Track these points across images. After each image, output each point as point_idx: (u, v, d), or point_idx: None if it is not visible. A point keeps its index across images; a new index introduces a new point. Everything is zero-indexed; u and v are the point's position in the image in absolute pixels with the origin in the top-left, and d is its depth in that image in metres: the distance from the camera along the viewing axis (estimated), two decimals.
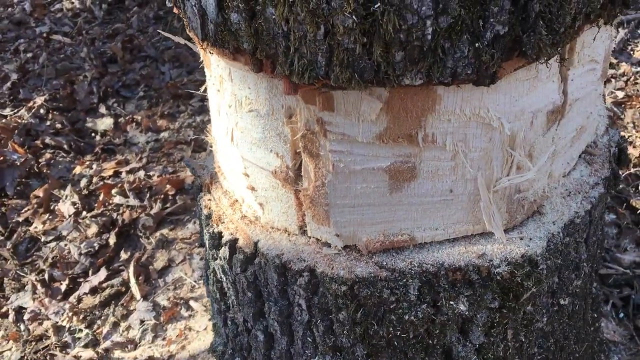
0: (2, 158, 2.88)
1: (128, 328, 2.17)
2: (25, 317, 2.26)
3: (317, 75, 0.79)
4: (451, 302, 0.99)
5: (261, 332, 1.16)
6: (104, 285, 2.33)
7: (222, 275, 1.14)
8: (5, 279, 2.44)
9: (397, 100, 0.85)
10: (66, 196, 2.74)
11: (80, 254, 2.48)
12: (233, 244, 1.08)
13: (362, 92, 0.84)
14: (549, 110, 0.93)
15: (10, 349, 2.19)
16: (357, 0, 0.72)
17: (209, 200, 1.17)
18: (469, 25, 0.75)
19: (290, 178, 0.97)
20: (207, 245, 1.14)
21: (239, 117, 0.97)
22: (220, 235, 1.10)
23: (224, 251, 1.10)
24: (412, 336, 1.06)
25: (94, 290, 2.33)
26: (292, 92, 0.82)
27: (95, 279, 2.35)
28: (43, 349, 2.15)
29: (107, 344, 2.13)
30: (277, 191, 1.01)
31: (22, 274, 2.43)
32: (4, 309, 2.31)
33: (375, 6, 0.73)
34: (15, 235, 2.60)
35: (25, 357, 2.13)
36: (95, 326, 2.20)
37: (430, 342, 1.07)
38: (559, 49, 0.79)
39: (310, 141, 0.92)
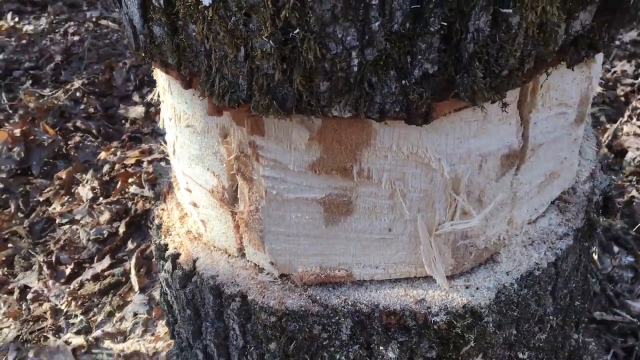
0: (32, 137, 2.93)
1: (121, 319, 2.17)
2: (28, 296, 2.29)
3: (238, 99, 0.75)
4: (381, 347, 0.93)
5: (200, 351, 1.12)
6: (106, 273, 2.34)
7: (167, 288, 1.11)
8: (16, 257, 2.48)
9: (330, 131, 0.80)
10: (87, 180, 2.76)
11: (88, 240, 2.50)
12: (175, 258, 1.04)
13: (291, 119, 0.79)
14: (503, 154, 0.86)
15: (9, 327, 2.22)
16: (275, 24, 0.67)
17: (162, 210, 1.13)
18: (396, 60, 0.69)
19: (227, 199, 0.93)
20: (154, 256, 1.10)
21: (179, 132, 0.94)
22: (165, 247, 1.07)
23: (168, 265, 1.07)
24: None
25: (95, 278, 2.35)
26: (215, 113, 0.78)
27: (98, 266, 2.37)
28: (38, 330, 2.17)
29: (98, 332, 2.14)
30: (217, 210, 0.97)
31: (33, 253, 2.46)
32: (10, 286, 2.34)
33: (295, 32, 0.68)
34: (33, 214, 2.65)
35: (22, 337, 2.16)
36: (91, 313, 2.21)
37: None
38: (500, 93, 0.72)
39: (244, 164, 0.87)
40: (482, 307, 0.92)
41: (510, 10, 0.66)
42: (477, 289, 0.94)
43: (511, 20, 0.67)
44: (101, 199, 2.68)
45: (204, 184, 0.95)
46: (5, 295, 2.31)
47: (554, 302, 1.09)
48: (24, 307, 2.25)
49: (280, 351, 0.99)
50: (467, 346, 0.94)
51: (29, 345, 2.11)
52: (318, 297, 0.95)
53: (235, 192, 0.92)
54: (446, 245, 0.91)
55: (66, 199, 2.66)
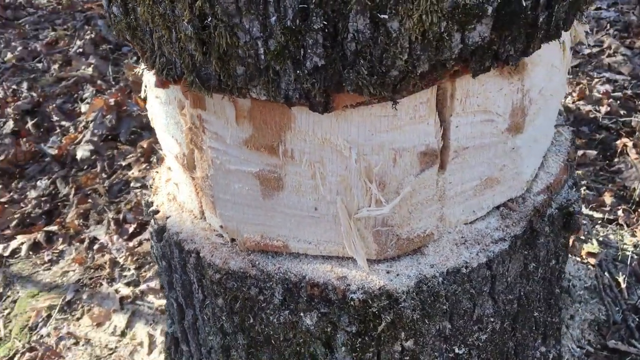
0: (124, 108, 3.24)
1: None
2: (95, 247, 2.58)
3: (174, 74, 0.88)
4: (301, 314, 1.03)
5: (174, 300, 1.27)
6: None
7: (152, 241, 1.27)
8: (92, 211, 2.78)
9: (257, 112, 0.91)
10: None
11: None
12: (154, 214, 1.20)
13: (223, 97, 0.91)
14: (420, 152, 0.93)
15: (74, 271, 2.51)
16: (193, 11, 0.80)
17: (156, 172, 1.30)
18: (292, 52, 0.79)
19: (187, 165, 1.07)
20: (144, 212, 1.27)
21: (151, 101, 1.09)
22: (151, 204, 1.23)
23: (151, 220, 1.23)
24: (282, 338, 1.11)
25: None
26: (160, 86, 0.92)
27: None
28: (96, 277, 2.44)
29: (144, 286, 2.38)
30: (182, 175, 1.11)
31: (106, 210, 2.76)
32: (82, 236, 2.65)
33: (208, 20, 0.80)
34: (114, 176, 2.95)
35: (82, 280, 2.44)
36: (143, 270, 2.45)
37: (298, 349, 1.11)
38: (391, 91, 0.81)
39: (195, 134, 1.01)
40: (399, 291, 1.00)
41: (386, 16, 0.75)
42: (397, 275, 1.02)
43: (389, 25, 0.76)
44: None
45: (172, 150, 1.09)
46: (77, 244, 2.60)
47: (494, 304, 1.13)
48: (89, 255, 2.53)
49: (227, 307, 1.12)
50: (382, 325, 1.02)
51: (86, 288, 2.38)
52: (257, 262, 1.07)
53: (193, 159, 1.06)
54: (367, 230, 0.99)
55: (144, 166, 2.92)
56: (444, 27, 0.78)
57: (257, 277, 1.06)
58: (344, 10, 0.75)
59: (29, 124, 3.26)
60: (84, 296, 2.36)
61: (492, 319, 1.15)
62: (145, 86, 1.11)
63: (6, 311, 2.42)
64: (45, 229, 2.71)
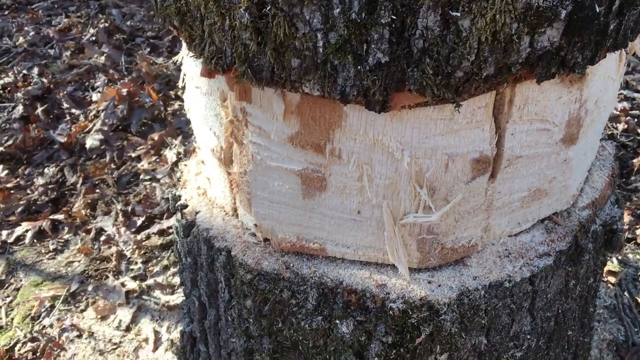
0: (136, 99, 3.19)
1: (174, 274, 2.35)
2: (102, 238, 2.53)
3: (224, 64, 0.84)
4: (337, 321, 0.99)
5: (197, 298, 1.23)
6: (170, 230, 2.52)
7: (176, 236, 1.23)
8: (100, 202, 2.74)
9: (307, 108, 0.87)
10: (175, 145, 2.98)
11: (162, 198, 2.71)
12: (182, 208, 1.16)
13: (274, 90, 0.87)
14: (473, 158, 0.89)
15: (79, 261, 2.47)
16: None
17: (185, 165, 1.25)
18: (354, 47, 0.75)
19: (224, 159, 1.02)
20: (170, 205, 1.23)
21: (190, 90, 1.04)
22: (179, 198, 1.19)
23: (178, 214, 1.18)
24: (312, 345, 1.07)
25: (161, 233, 2.55)
26: (206, 75, 0.88)
27: (165, 223, 2.56)
28: (102, 269, 2.39)
29: (151, 281, 2.34)
30: (217, 169, 1.07)
31: (114, 201, 2.71)
32: (89, 227, 2.60)
33: (267, 8, 0.76)
34: (123, 167, 2.90)
35: (87, 272, 2.39)
36: (150, 264, 2.41)
37: (328, 357, 1.07)
38: (454, 92, 0.77)
39: (237, 128, 0.96)
40: (440, 303, 0.96)
41: (458, 14, 0.71)
42: (439, 285, 0.98)
43: (460, 24, 0.72)
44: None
45: (208, 143, 1.05)
46: (83, 234, 2.56)
47: (532, 321, 1.09)
48: (95, 246, 2.48)
49: (256, 309, 1.08)
50: (421, 337, 0.98)
51: (91, 280, 2.33)
52: (291, 265, 1.03)
53: (231, 153, 1.01)
54: (411, 237, 0.95)
55: (154, 158, 2.88)
56: (515, 29, 0.74)
57: (290, 279, 1.01)
58: (414, 6, 0.71)
59: (39, 110, 3.21)
60: (89, 288, 2.32)
61: (528, 336, 1.11)
62: (185, 75, 1.07)
63: (8, 299, 2.37)
64: (51, 217, 2.67)
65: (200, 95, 1.01)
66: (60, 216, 2.67)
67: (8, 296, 2.39)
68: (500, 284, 1.00)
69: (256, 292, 1.04)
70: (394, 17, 0.72)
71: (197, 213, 1.12)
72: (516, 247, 1.03)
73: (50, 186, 2.84)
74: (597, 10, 0.78)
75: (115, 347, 2.13)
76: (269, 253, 1.04)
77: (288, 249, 1.03)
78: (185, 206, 1.15)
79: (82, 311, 2.28)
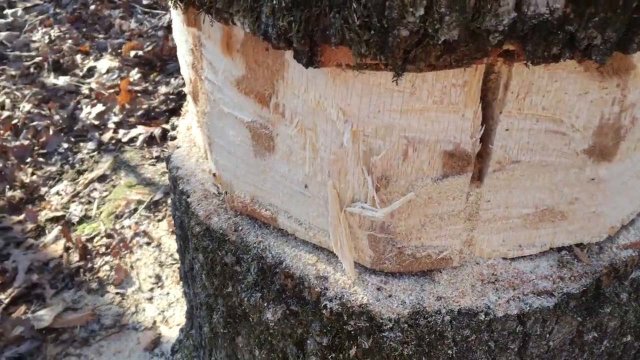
0: None
1: None
2: None
3: None
4: (266, 304, 0.84)
5: (177, 237, 1.15)
6: None
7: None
8: None
9: (250, 48, 0.71)
10: None
11: None
12: (172, 139, 1.06)
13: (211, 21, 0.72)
14: (444, 150, 0.68)
15: None
16: None
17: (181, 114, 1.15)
18: None
19: (192, 94, 0.90)
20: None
21: (174, 16, 0.92)
22: (175, 127, 1.09)
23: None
24: (256, 321, 0.94)
25: None
26: None
27: None
28: None
29: None
30: (191, 105, 0.95)
31: None
32: None
33: None
34: None
35: None
36: None
37: (270, 340, 0.94)
38: (389, 56, 0.56)
39: (197, 59, 0.83)
40: (384, 317, 0.78)
41: None
42: (390, 296, 0.79)
43: None
44: None
45: (184, 72, 0.93)
46: None
47: None
48: None
49: (208, 266, 0.96)
50: (353, 349, 0.80)
51: None
52: (240, 228, 0.89)
53: (197, 89, 0.88)
54: (361, 230, 0.77)
55: None
56: None
57: (236, 244, 0.88)
58: None
59: None
60: (169, 200, 2.35)
61: None
62: None
63: (104, 193, 2.48)
64: (164, 126, 2.73)
65: (176, 17, 0.88)
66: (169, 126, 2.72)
67: (106, 190, 2.50)
68: (474, 314, 0.79)
69: (203, 248, 0.92)
70: None
71: (177, 148, 1.02)
72: (508, 275, 0.80)
73: (171, 96, 2.90)
74: None
75: (174, 262, 2.15)
76: (224, 210, 0.91)
77: (241, 210, 0.89)
78: (174, 138, 1.05)
79: (159, 221, 2.32)
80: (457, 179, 0.70)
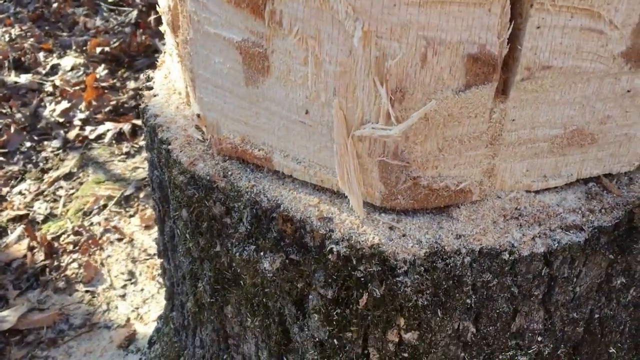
0: None
1: None
2: None
3: None
4: (262, 253, 0.74)
5: (155, 203, 1.04)
6: None
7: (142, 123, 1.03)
8: None
9: None
10: None
11: None
12: (147, 89, 0.96)
13: None
14: (468, 53, 0.60)
15: (144, 168, 2.38)
16: None
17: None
18: None
19: (171, 23, 0.80)
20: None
21: None
22: (150, 79, 0.99)
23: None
24: (249, 282, 0.84)
25: None
26: None
27: None
28: None
29: None
30: (170, 39, 0.85)
31: None
32: None
33: None
34: None
35: (146, 178, 2.30)
36: None
37: (265, 301, 0.83)
38: None
39: None
40: (398, 258, 0.68)
41: None
42: (404, 235, 0.70)
43: None
44: None
45: (162, 4, 0.83)
46: None
47: (547, 318, 0.78)
48: None
49: (193, 223, 0.86)
50: (364, 298, 0.71)
51: (147, 188, 2.23)
52: (230, 173, 0.79)
53: (178, 16, 0.79)
54: (371, 159, 0.68)
55: None
56: None
57: (225, 191, 0.78)
58: None
59: (151, 17, 3.17)
60: (141, 195, 2.23)
61: (539, 338, 0.80)
62: None
63: (71, 191, 2.35)
64: (134, 121, 2.61)
65: None
66: (140, 121, 2.61)
67: (72, 188, 2.37)
68: (496, 254, 0.70)
69: (188, 199, 0.82)
70: None
71: (154, 97, 0.91)
72: (533, 209, 0.72)
73: (140, 92, 2.78)
74: None
75: (148, 258, 2.03)
76: (211, 155, 0.82)
77: (230, 153, 0.79)
78: (150, 88, 0.95)
79: (130, 216, 2.20)
80: (481, 90, 0.62)
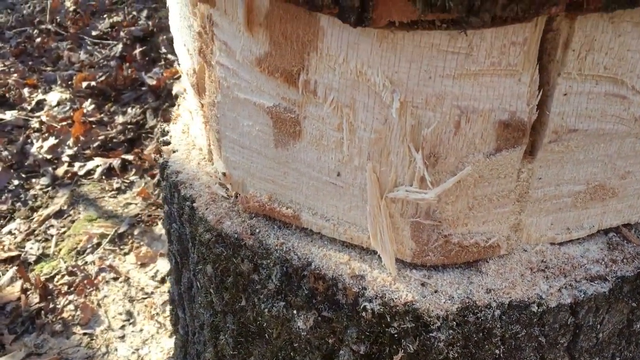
0: None
1: None
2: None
3: None
4: (295, 312, 0.75)
5: (172, 255, 1.04)
6: None
7: (160, 177, 1.04)
8: None
9: (277, 19, 0.64)
10: None
11: None
12: (164, 144, 0.97)
13: None
14: (499, 120, 0.62)
15: (136, 204, 2.38)
16: None
17: (184, 98, 1.06)
18: None
19: (196, 86, 0.81)
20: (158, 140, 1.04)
21: (171, 4, 0.84)
22: (165, 133, 1.00)
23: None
24: (275, 336, 0.85)
25: None
26: None
27: None
28: (155, 215, 2.29)
29: None
30: (193, 100, 0.87)
31: None
32: (155, 171, 2.50)
33: None
34: None
35: (140, 215, 2.30)
36: None
37: (293, 355, 0.84)
38: (467, 12, 0.50)
39: (205, 43, 0.75)
40: (432, 315, 0.70)
41: None
42: (436, 291, 0.72)
43: None
44: None
45: (183, 64, 0.85)
46: (149, 178, 2.46)
47: None
48: (155, 192, 2.37)
49: (217, 279, 0.87)
50: (399, 355, 0.72)
51: (141, 224, 2.23)
52: (257, 230, 0.81)
53: (203, 79, 0.80)
54: (403, 219, 0.69)
55: None
56: None
57: (253, 248, 0.79)
58: None
59: (137, 51, 3.17)
60: (136, 232, 2.22)
61: None
62: None
63: (63, 229, 2.33)
64: (123, 156, 2.60)
65: (174, 3, 0.80)
66: (130, 157, 2.60)
67: (63, 226, 2.35)
68: (525, 306, 0.72)
69: (216, 257, 0.83)
70: None
71: (173, 152, 0.93)
72: (558, 261, 0.74)
73: (129, 126, 2.78)
74: None
75: (145, 296, 2.02)
76: (237, 212, 0.83)
77: (257, 210, 0.80)
78: (168, 143, 0.96)
79: (125, 254, 2.19)
80: (511, 153, 0.64)
